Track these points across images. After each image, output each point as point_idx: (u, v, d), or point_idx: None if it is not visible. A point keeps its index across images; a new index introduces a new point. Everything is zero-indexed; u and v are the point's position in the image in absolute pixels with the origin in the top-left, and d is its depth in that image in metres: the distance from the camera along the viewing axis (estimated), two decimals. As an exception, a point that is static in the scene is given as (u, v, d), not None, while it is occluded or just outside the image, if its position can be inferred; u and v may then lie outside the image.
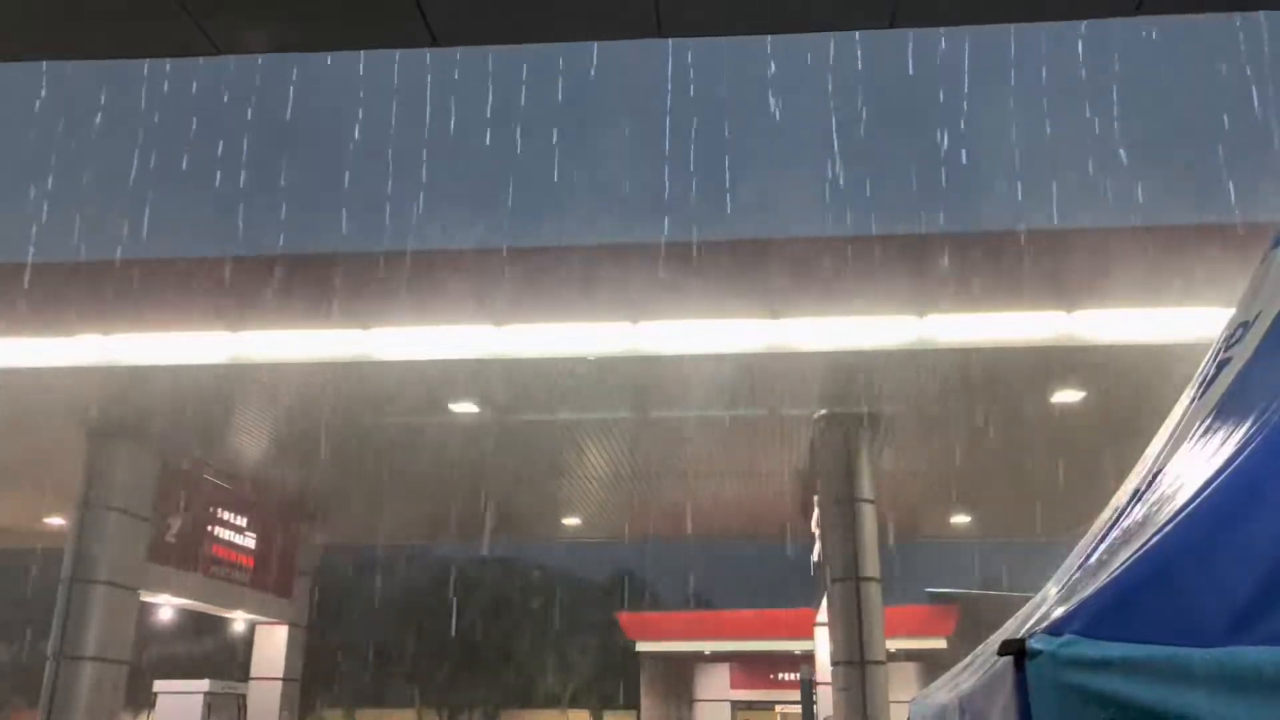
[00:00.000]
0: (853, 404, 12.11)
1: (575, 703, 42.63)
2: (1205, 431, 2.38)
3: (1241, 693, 1.58)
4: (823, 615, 14.05)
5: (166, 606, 16.79)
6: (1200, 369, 2.84)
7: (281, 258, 11.41)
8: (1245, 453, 2.00)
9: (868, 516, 12.13)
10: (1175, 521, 1.92)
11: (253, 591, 16.69)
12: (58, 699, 12.09)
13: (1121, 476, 2.96)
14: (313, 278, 10.89)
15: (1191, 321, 9.61)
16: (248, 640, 18.61)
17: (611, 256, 10.76)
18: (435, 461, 14.67)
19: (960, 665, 3.15)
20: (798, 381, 11.48)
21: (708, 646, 27.32)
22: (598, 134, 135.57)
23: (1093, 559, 2.33)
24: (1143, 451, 2.90)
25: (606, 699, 40.35)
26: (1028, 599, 2.97)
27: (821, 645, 14.79)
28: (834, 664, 12.01)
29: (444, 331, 10.71)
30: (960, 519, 18.87)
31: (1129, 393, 10.75)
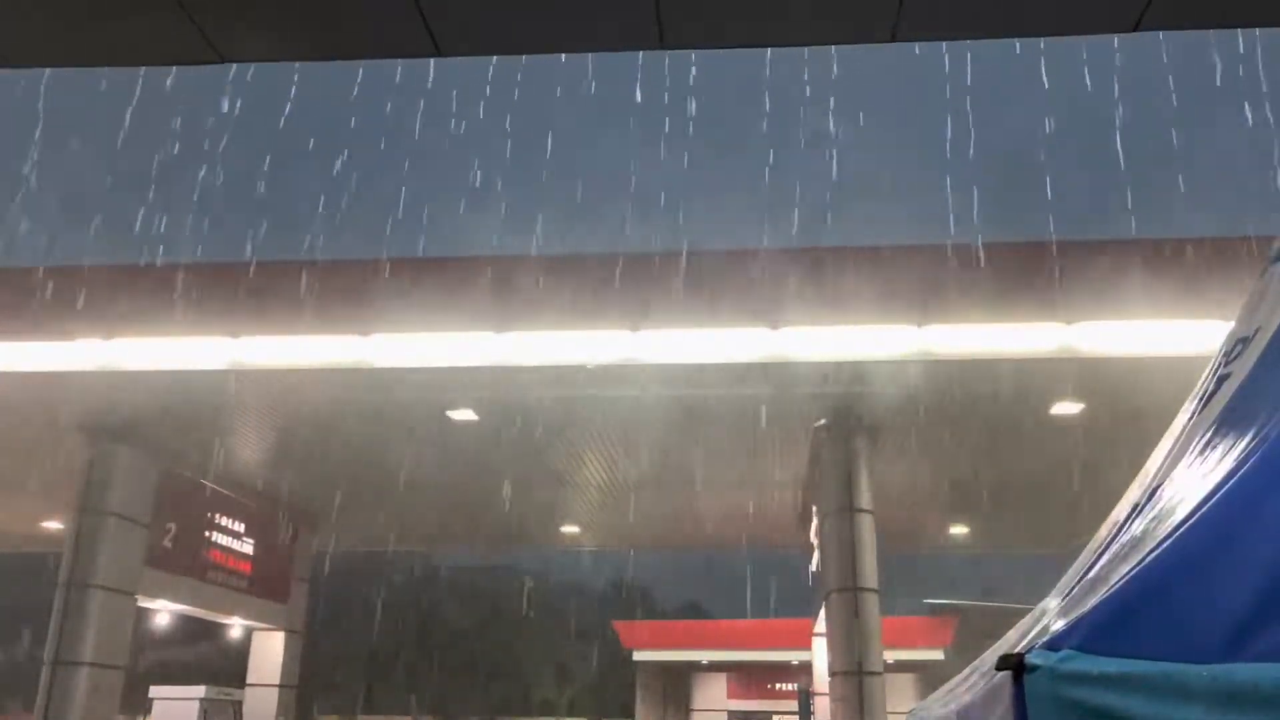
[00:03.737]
0: (852, 414, 12.10)
1: (571, 711, 42.54)
2: (1204, 446, 2.38)
3: (1239, 709, 1.57)
4: (820, 625, 14.02)
5: (163, 612, 16.75)
6: (1200, 383, 2.83)
7: (281, 264, 11.42)
8: (1244, 468, 1.99)
9: (866, 527, 12.10)
10: (1174, 537, 1.92)
11: (250, 597, 16.64)
12: (54, 704, 12.06)
13: (1121, 489, 2.95)
14: (312, 284, 10.90)
15: (1191, 335, 9.62)
16: (244, 646, 18.56)
17: (611, 265, 10.77)
18: (434, 469, 14.65)
19: (958, 678, 3.14)
20: (797, 391, 11.48)
21: (705, 656, 27.25)
22: (597, 140, 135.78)
23: (1092, 573, 2.33)
24: (1142, 465, 2.90)
25: (602, 708, 40.24)
26: (1027, 611, 2.97)
27: (819, 655, 14.76)
28: (831, 674, 11.98)
29: (444, 338, 10.72)
30: (959, 530, 18.86)
31: (1128, 405, 10.75)
